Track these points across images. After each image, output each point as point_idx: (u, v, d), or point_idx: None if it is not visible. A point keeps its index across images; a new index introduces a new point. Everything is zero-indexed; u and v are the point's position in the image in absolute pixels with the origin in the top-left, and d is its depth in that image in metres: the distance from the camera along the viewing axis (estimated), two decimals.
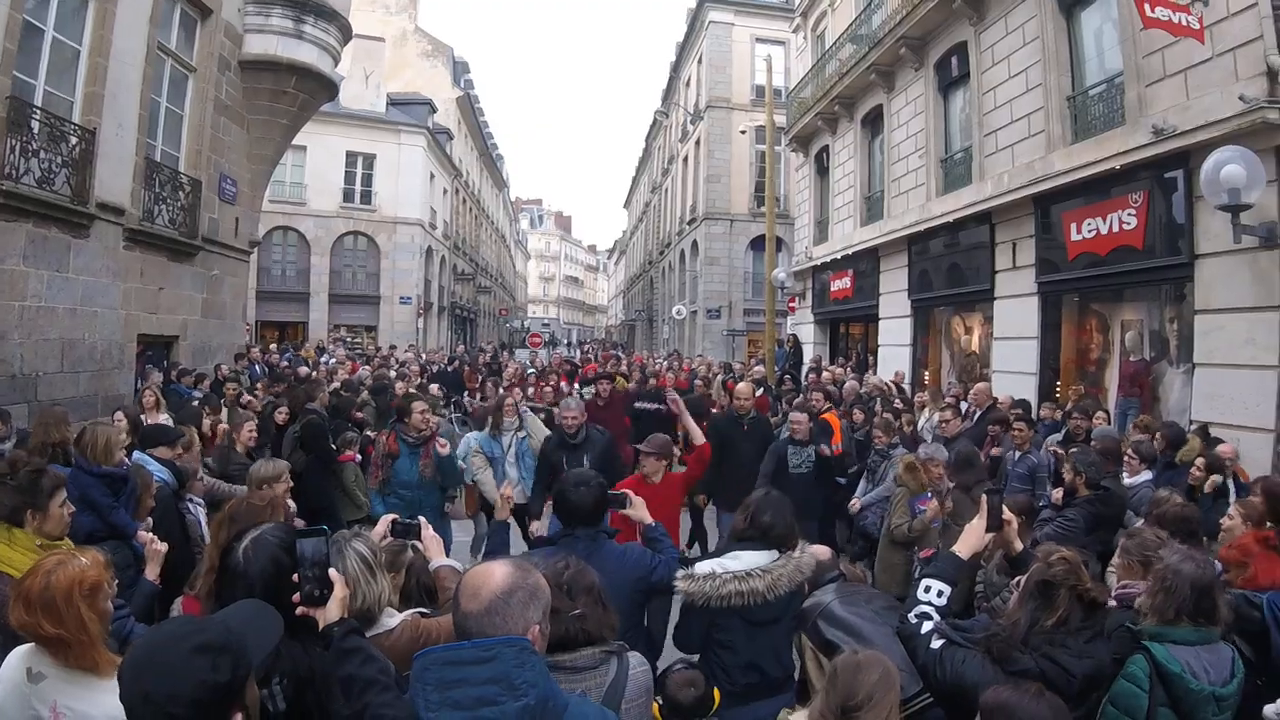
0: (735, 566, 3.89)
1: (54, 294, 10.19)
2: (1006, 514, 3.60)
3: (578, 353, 37.47)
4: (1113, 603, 3.70)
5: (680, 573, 3.93)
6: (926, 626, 3.24)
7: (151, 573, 4.31)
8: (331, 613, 2.42)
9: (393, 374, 15.92)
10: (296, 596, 2.43)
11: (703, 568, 3.92)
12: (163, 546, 4.45)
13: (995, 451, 9.01)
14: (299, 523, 5.12)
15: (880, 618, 3.74)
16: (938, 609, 3.32)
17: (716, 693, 3.59)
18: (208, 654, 1.88)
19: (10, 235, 9.38)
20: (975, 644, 3.13)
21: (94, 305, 11.08)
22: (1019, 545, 3.72)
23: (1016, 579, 4.48)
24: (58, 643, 2.63)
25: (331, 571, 2.49)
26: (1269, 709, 3.44)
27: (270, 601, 2.43)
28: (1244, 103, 8.40)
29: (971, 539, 3.54)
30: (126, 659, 1.93)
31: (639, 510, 4.29)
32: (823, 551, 4.58)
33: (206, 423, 8.50)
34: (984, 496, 3.60)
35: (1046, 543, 3.73)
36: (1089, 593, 3.07)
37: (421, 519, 3.77)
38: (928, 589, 3.38)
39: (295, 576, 2.46)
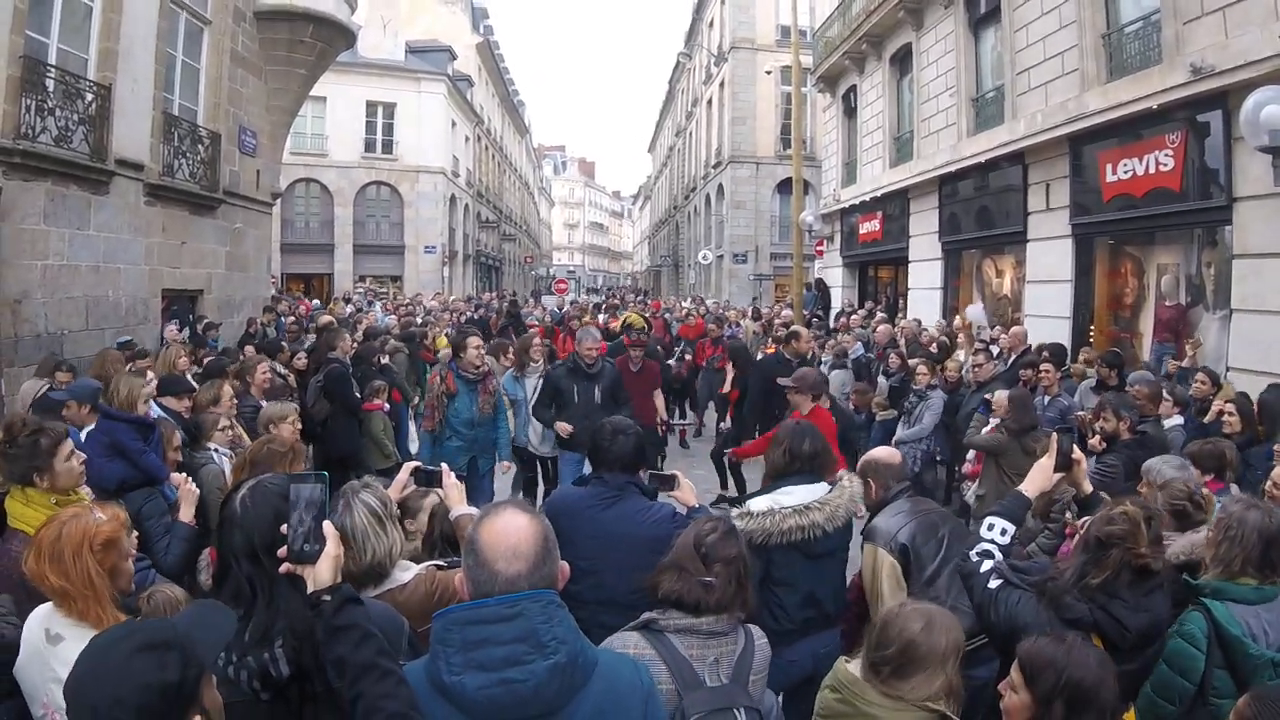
0: (790, 501, 3.89)
1: (76, 252, 10.20)
2: (1076, 454, 3.54)
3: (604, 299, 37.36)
4: None
5: (735, 512, 3.89)
6: (986, 565, 3.21)
7: (186, 514, 4.35)
8: (322, 575, 2.09)
9: (419, 320, 15.95)
10: (283, 551, 2.15)
11: (758, 504, 3.90)
12: (195, 487, 4.47)
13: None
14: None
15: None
16: (1000, 548, 3.28)
17: None
18: (152, 652, 1.72)
19: (29, 195, 9.35)
20: (1031, 587, 3.09)
21: (116, 262, 11.10)
22: (1088, 487, 3.64)
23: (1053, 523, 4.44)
24: (62, 595, 2.62)
25: (326, 525, 2.16)
26: None
27: (270, 555, 2.21)
28: None
29: (1039, 478, 3.48)
30: (69, 674, 1.76)
31: (684, 493, 4.15)
32: (890, 454, 4.50)
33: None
34: (1054, 435, 3.55)
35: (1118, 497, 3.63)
36: (1142, 558, 2.97)
37: (444, 465, 3.65)
38: (991, 527, 3.34)
39: (283, 528, 2.17)
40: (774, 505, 3.88)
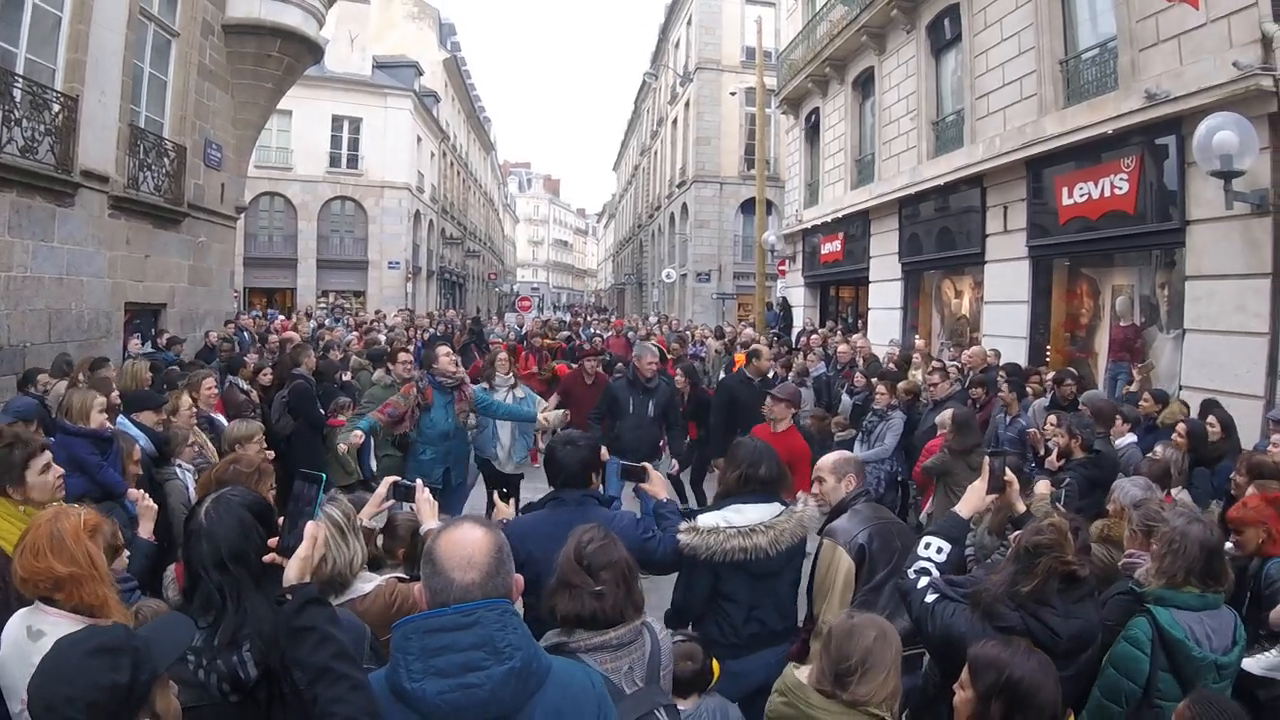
0: (739, 521, 3.93)
1: (39, 264, 10.08)
2: (1008, 475, 3.64)
3: (567, 316, 37.34)
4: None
5: (683, 525, 3.95)
6: (923, 581, 3.32)
7: (145, 530, 4.29)
8: (289, 573, 2.22)
9: (382, 338, 15.88)
10: (274, 540, 2.30)
11: (706, 521, 3.96)
12: (153, 504, 4.42)
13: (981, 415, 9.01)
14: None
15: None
16: (937, 565, 3.39)
17: (716, 666, 3.61)
18: (105, 655, 1.82)
19: None
20: (965, 598, 3.19)
21: (80, 274, 10.98)
22: (1022, 506, 3.76)
23: (1008, 540, 4.54)
24: (71, 582, 2.64)
25: (309, 525, 2.31)
26: (1248, 662, 3.49)
27: (236, 563, 2.32)
28: (1238, 69, 8.35)
29: (973, 500, 3.60)
30: (34, 672, 1.87)
31: (655, 485, 4.29)
32: (844, 453, 4.62)
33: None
34: (986, 458, 3.64)
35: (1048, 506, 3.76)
36: (1069, 565, 3.07)
37: (419, 481, 3.73)
38: (928, 545, 3.45)
39: (280, 519, 2.34)
40: (722, 523, 3.93)
